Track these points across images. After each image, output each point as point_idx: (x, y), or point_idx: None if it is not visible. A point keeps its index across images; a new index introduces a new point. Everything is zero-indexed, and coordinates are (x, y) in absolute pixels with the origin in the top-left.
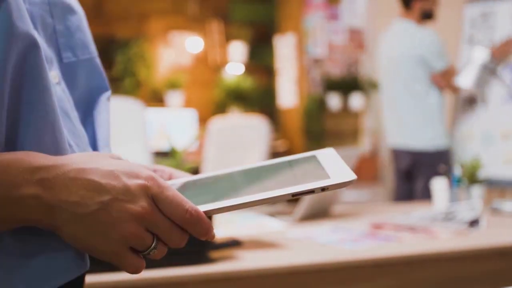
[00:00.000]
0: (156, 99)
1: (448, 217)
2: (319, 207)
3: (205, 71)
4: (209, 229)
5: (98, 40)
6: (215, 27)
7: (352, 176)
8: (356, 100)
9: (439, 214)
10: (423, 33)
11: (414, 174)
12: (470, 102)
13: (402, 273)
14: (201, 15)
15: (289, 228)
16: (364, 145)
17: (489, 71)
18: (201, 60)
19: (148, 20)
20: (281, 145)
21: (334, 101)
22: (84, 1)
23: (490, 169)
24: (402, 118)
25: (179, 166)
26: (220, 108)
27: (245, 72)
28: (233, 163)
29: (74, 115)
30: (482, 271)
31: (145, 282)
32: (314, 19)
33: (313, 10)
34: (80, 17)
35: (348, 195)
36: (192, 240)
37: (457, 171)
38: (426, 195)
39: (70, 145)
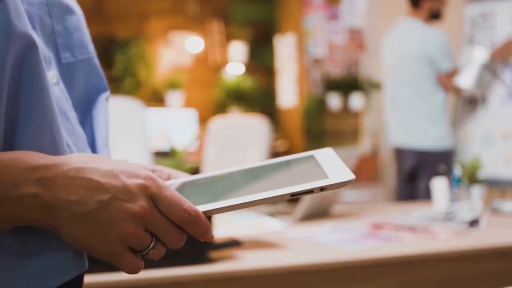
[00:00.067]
0: (156, 99)
1: (448, 217)
2: (319, 207)
3: (205, 71)
4: (207, 229)
5: (98, 40)
6: (215, 27)
7: (351, 176)
8: (356, 100)
9: (439, 214)
10: (431, 32)
11: (418, 174)
12: (470, 102)
13: (402, 273)
14: (201, 15)
15: (289, 228)
16: (364, 145)
17: (489, 71)
18: (201, 60)
19: (148, 20)
20: (281, 145)
21: (334, 101)
22: (84, 1)
23: (490, 169)
24: (406, 118)
25: (179, 166)
26: (220, 108)
27: (245, 72)
28: (233, 163)
29: (73, 115)
30: (482, 271)
31: (145, 282)
32: (314, 19)
33: (313, 10)
34: (79, 17)
35: (348, 195)
36: (192, 240)
37: (457, 171)
38: (429, 195)
39: (68, 146)
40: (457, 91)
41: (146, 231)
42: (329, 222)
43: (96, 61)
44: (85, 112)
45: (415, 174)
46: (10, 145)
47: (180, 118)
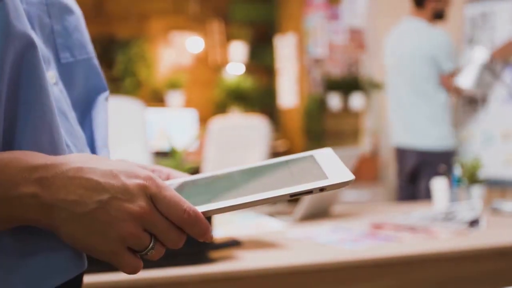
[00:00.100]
0: (156, 99)
1: (448, 217)
2: (319, 207)
3: (206, 71)
4: (207, 230)
5: (98, 40)
6: (216, 27)
7: (350, 176)
8: (356, 100)
9: (439, 214)
10: (435, 32)
11: (419, 174)
12: (470, 102)
13: (402, 273)
14: (202, 15)
15: (289, 228)
16: (364, 145)
17: (489, 71)
18: (202, 60)
19: (148, 20)
20: (282, 145)
21: (334, 101)
22: (84, 1)
23: (490, 169)
24: (408, 117)
25: (179, 166)
26: (221, 108)
27: (245, 72)
28: (233, 163)
29: (72, 115)
30: (482, 271)
31: (145, 282)
32: (315, 19)
33: (313, 10)
34: (78, 17)
35: (348, 195)
36: (192, 240)
37: (457, 171)
38: (430, 195)
39: (67, 146)
40: (458, 91)
41: (145, 231)
42: (329, 222)
43: (95, 61)
44: (85, 112)
45: (417, 174)
46: (9, 145)
47: (180, 118)
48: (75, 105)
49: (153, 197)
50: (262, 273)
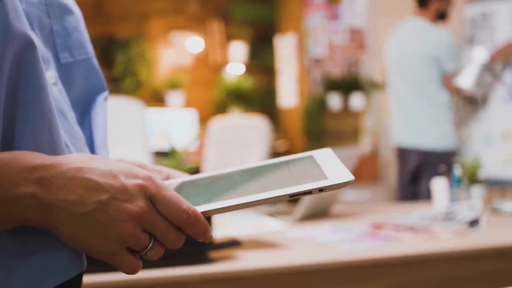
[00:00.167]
0: (156, 99)
1: (448, 217)
2: (319, 207)
3: (206, 71)
4: (206, 230)
5: (98, 40)
6: (216, 27)
7: (350, 177)
8: (356, 100)
9: (439, 214)
10: (439, 32)
11: (421, 174)
12: (470, 102)
13: (402, 273)
14: (202, 15)
15: (289, 228)
16: (364, 145)
17: (489, 71)
18: (202, 60)
19: (148, 20)
20: (282, 145)
21: (334, 101)
22: (84, 1)
23: (490, 169)
24: (411, 117)
25: (179, 166)
26: (221, 108)
27: (245, 72)
28: (233, 163)
29: (71, 115)
30: (482, 271)
31: (145, 282)
32: (315, 19)
33: (313, 10)
34: (77, 17)
35: (348, 195)
36: (191, 240)
37: (457, 171)
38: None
39: (67, 146)
40: (458, 92)
41: (144, 232)
42: (329, 222)
43: (95, 61)
44: (84, 112)
45: (418, 174)
46: (8, 145)
47: (180, 118)
48: (75, 105)
49: (152, 197)
50: (262, 273)
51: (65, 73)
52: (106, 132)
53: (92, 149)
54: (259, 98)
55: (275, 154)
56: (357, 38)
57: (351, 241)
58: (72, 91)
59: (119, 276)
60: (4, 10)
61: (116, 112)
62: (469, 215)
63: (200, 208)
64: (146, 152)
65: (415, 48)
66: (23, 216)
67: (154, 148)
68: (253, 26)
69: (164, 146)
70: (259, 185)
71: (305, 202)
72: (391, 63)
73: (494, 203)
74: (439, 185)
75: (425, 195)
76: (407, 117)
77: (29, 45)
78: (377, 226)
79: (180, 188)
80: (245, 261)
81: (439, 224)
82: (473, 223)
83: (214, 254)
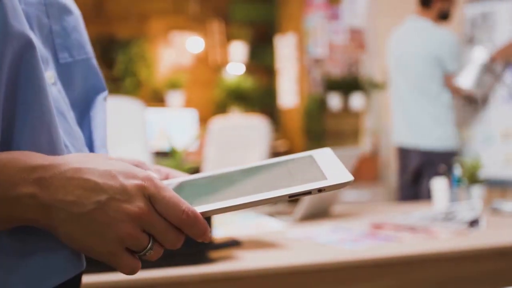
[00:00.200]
0: (156, 99)
1: (448, 217)
2: (319, 207)
3: (206, 71)
4: (205, 230)
5: (98, 40)
6: (216, 27)
7: (349, 177)
8: (356, 100)
9: (439, 214)
10: (442, 32)
11: (422, 174)
12: (470, 102)
13: (402, 273)
14: (202, 15)
15: (289, 228)
16: (364, 145)
17: (489, 71)
18: (202, 60)
19: (148, 20)
20: (282, 145)
21: (334, 101)
22: (84, 1)
23: (490, 169)
24: (412, 117)
25: (179, 166)
26: (221, 108)
27: (245, 72)
28: (233, 163)
29: (70, 115)
30: (482, 271)
31: (145, 282)
32: (315, 19)
33: (313, 10)
34: (77, 17)
35: (348, 195)
36: (191, 240)
37: (457, 171)
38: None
39: (66, 146)
40: (457, 91)
41: (143, 232)
42: (329, 222)
43: (94, 61)
44: (83, 112)
45: (419, 173)
46: (7, 145)
47: (180, 118)
48: (74, 105)
49: (151, 198)
50: (262, 273)
51: (64, 73)
52: (105, 132)
53: (91, 149)
54: (259, 98)
55: (275, 154)
56: (357, 38)
57: (351, 241)
58: (71, 91)
59: (119, 276)
60: (3, 10)
61: (116, 112)
62: (469, 215)
63: (200, 209)
64: (146, 152)
65: (418, 48)
66: (22, 216)
67: (154, 148)
68: (253, 26)
69: (164, 146)
70: (258, 185)
71: (305, 202)
72: (393, 63)
73: (494, 203)
74: (439, 185)
75: (426, 195)
76: (408, 117)
77: (28, 45)
78: (377, 226)
79: (179, 188)
80: (245, 261)
81: (439, 224)
82: (473, 223)
83: (214, 254)
